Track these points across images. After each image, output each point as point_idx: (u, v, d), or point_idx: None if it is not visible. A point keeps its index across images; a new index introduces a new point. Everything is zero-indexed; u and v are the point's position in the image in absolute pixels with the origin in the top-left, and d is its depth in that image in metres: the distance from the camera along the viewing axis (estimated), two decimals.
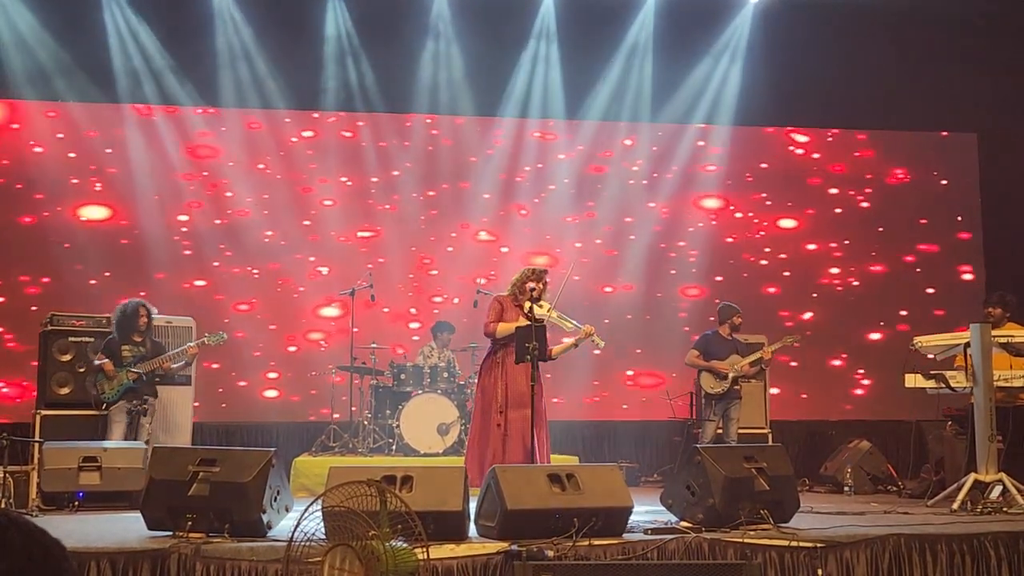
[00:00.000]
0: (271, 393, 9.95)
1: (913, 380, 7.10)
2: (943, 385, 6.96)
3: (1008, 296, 7.66)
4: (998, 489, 6.48)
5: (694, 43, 10.61)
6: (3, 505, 6.31)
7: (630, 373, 10.50)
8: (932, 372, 7.04)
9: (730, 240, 10.88)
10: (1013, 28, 10.26)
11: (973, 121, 11.00)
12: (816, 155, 11.16)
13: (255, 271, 10.08)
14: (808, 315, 10.84)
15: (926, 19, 10.19)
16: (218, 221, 10.03)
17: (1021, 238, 10.39)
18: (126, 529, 5.28)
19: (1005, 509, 6.26)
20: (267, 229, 10.12)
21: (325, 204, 10.29)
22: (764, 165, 11.05)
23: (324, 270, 10.17)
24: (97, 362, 7.61)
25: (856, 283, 10.98)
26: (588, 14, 10.39)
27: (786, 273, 10.90)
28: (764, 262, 10.91)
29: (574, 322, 6.73)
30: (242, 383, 9.93)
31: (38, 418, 7.69)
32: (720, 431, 8.65)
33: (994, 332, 6.99)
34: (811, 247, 11.00)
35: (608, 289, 10.56)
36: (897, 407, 8.86)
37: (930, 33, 10.28)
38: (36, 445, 7.07)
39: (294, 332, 10.07)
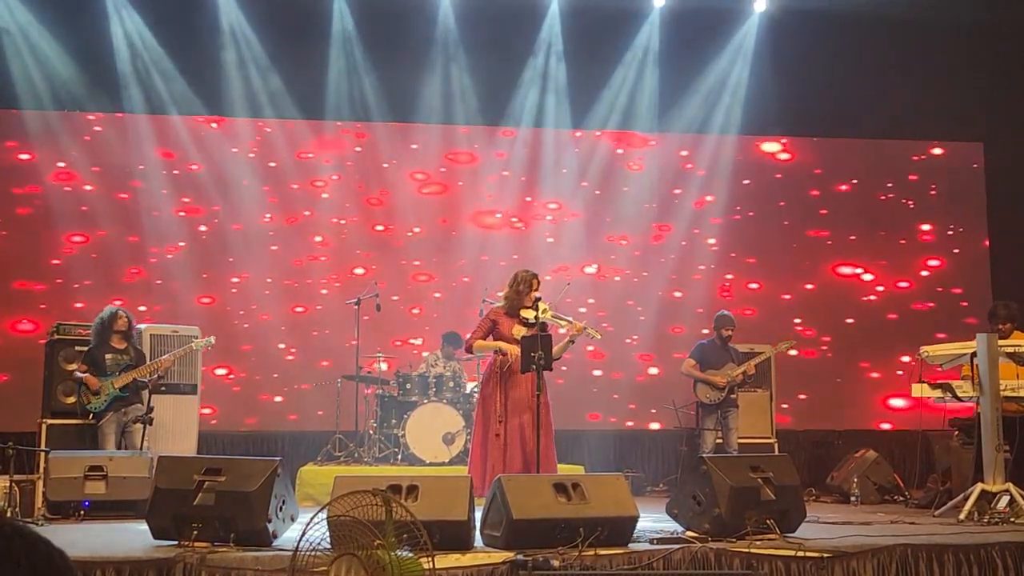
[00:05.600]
0: (277, 400, 9.96)
1: (920, 389, 7.08)
2: (949, 395, 6.94)
3: (1012, 305, 7.64)
4: (1005, 499, 6.46)
5: (700, 51, 10.61)
6: (8, 515, 6.30)
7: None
8: (938, 382, 7.02)
9: (733, 254, 10.87)
10: (1018, 36, 10.26)
11: (979, 130, 10.99)
12: (820, 164, 11.13)
13: (267, 280, 10.09)
14: (806, 321, 10.83)
15: (931, 27, 10.18)
16: (227, 228, 10.06)
17: None
18: (131, 538, 5.29)
19: (1012, 519, 6.24)
20: (273, 237, 10.16)
21: (332, 208, 10.33)
22: (765, 174, 11.04)
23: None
24: (78, 374, 7.58)
25: (853, 289, 10.96)
26: (593, 23, 10.40)
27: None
28: (763, 269, 10.90)
29: (568, 319, 6.73)
30: (247, 391, 9.93)
31: (44, 427, 7.71)
32: (720, 441, 8.63)
33: (1001, 342, 6.98)
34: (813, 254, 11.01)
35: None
36: (903, 417, 8.83)
37: (935, 41, 10.28)
38: (42, 454, 7.09)
39: (297, 338, 10.08)
